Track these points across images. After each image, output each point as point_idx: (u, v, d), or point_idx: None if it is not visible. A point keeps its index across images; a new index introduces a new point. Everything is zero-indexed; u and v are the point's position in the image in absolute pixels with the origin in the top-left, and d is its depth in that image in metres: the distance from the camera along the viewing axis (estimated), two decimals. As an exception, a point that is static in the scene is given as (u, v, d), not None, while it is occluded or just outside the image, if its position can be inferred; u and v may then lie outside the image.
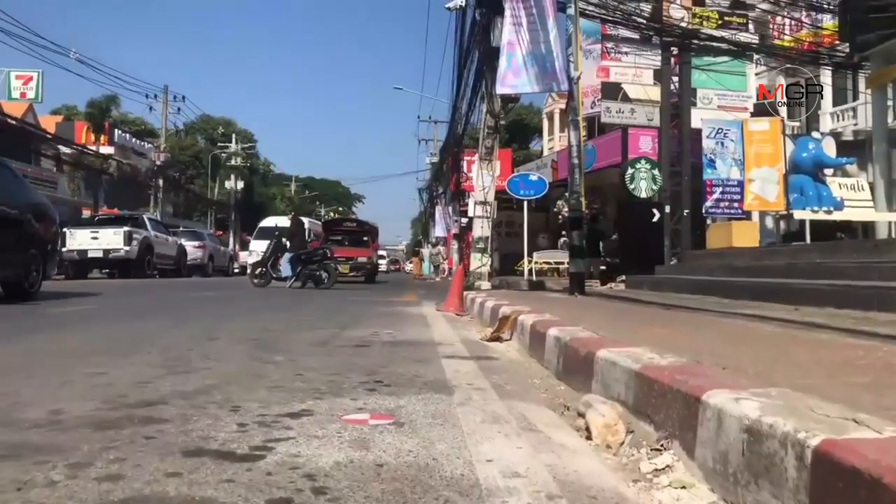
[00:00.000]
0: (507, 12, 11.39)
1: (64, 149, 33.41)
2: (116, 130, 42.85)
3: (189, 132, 58.02)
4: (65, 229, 21.21)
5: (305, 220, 27.81)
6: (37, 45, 39.57)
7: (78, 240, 20.49)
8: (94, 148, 35.87)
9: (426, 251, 54.56)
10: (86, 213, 34.04)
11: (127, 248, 20.42)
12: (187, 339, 4.67)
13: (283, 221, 27.50)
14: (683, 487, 1.78)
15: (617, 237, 19.09)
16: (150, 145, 43.87)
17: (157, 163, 38.42)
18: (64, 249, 19.44)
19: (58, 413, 2.31)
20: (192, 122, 52.16)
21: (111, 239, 20.43)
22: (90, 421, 2.21)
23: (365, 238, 24.52)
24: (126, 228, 20.69)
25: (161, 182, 38.70)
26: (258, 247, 23.58)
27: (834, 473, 1.29)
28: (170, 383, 2.93)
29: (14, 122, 29.00)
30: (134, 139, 44.63)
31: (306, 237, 20.56)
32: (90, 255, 20.39)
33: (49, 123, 37.40)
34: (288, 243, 16.81)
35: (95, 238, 20.54)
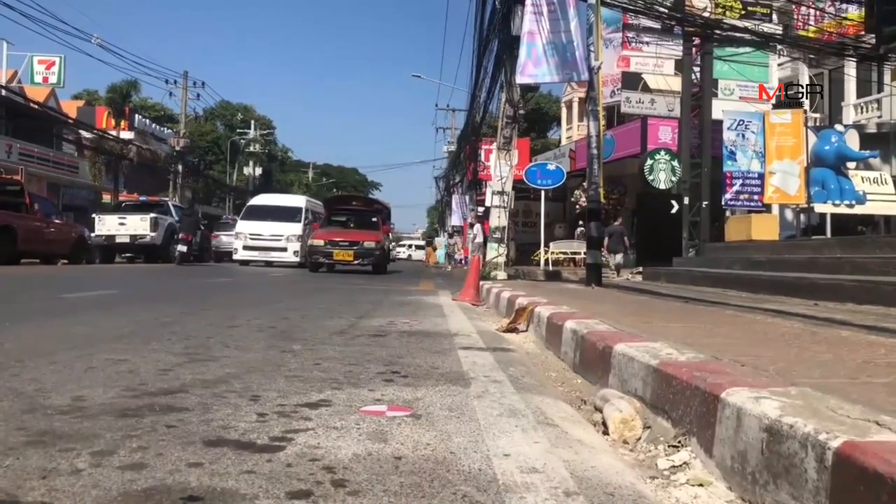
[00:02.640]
0: (528, 1, 11.32)
1: (85, 133, 33.70)
2: (137, 116, 43.14)
3: (208, 118, 58.31)
4: (94, 215, 22.56)
5: (303, 198, 25.86)
6: (59, 31, 39.90)
7: (106, 225, 21.27)
8: (114, 133, 36.13)
9: (441, 240, 54.60)
10: (106, 198, 34.41)
11: (153, 233, 21.24)
12: (207, 327, 4.71)
13: (277, 199, 25.35)
14: (701, 485, 1.78)
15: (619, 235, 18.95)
16: (169, 131, 44.17)
17: (177, 148, 38.66)
18: (93, 234, 20.41)
19: (81, 400, 2.34)
20: (211, 109, 52.47)
21: (138, 225, 21.20)
22: (113, 408, 2.24)
23: (374, 219, 20.31)
24: (152, 215, 21.50)
25: (180, 167, 38.97)
26: (246, 228, 22.07)
27: (855, 476, 1.28)
28: (190, 371, 2.96)
29: (37, 107, 29.27)
30: (154, 124, 44.93)
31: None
32: (118, 240, 21.18)
33: (70, 108, 37.72)
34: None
35: (123, 224, 21.26)
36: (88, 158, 34.93)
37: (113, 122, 38.61)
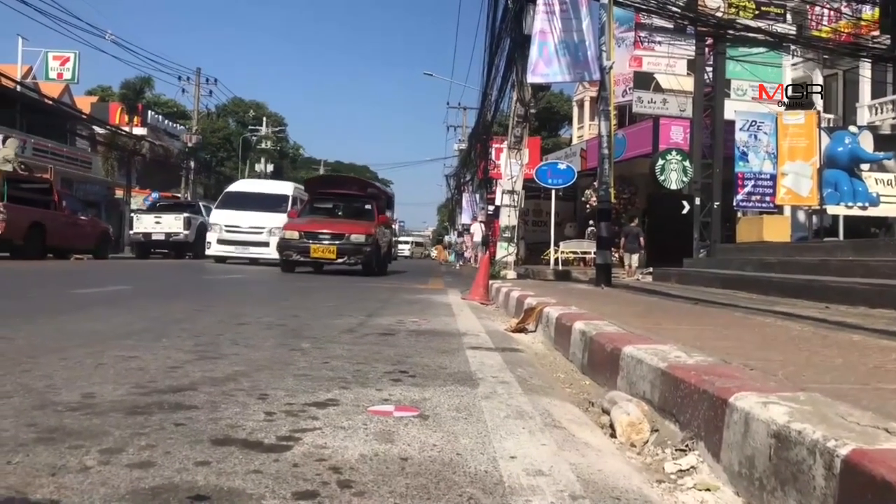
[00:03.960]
0: (540, 0, 11.30)
1: (98, 129, 33.92)
2: (149, 112, 43.38)
3: (220, 115, 58.59)
4: (131, 214, 24.93)
5: (290, 185, 22.38)
6: (74, 27, 40.15)
7: (143, 224, 23.47)
8: (127, 129, 36.34)
9: (450, 239, 54.64)
10: (119, 193, 34.64)
11: (186, 231, 23.21)
12: (217, 324, 4.73)
13: (259, 186, 22.65)
14: (708, 490, 1.77)
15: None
16: (182, 127, 44.39)
17: (189, 144, 38.88)
18: (131, 232, 23.34)
19: (91, 397, 2.36)
20: (223, 105, 52.68)
21: (172, 223, 23.21)
22: (122, 406, 2.26)
23: (367, 206, 16.49)
24: (185, 214, 23.56)
25: (192, 164, 39.15)
26: (221, 218, 19.33)
27: (863, 484, 1.27)
28: (199, 369, 2.97)
29: (51, 103, 29.48)
30: (166, 121, 45.16)
31: (291, 205, 19.07)
32: (153, 237, 23.30)
33: (84, 104, 37.95)
34: None
35: (158, 223, 23.33)
36: (101, 154, 35.15)
37: (126, 118, 38.84)
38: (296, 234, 14.27)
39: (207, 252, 19.53)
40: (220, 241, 19.03)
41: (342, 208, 16.67)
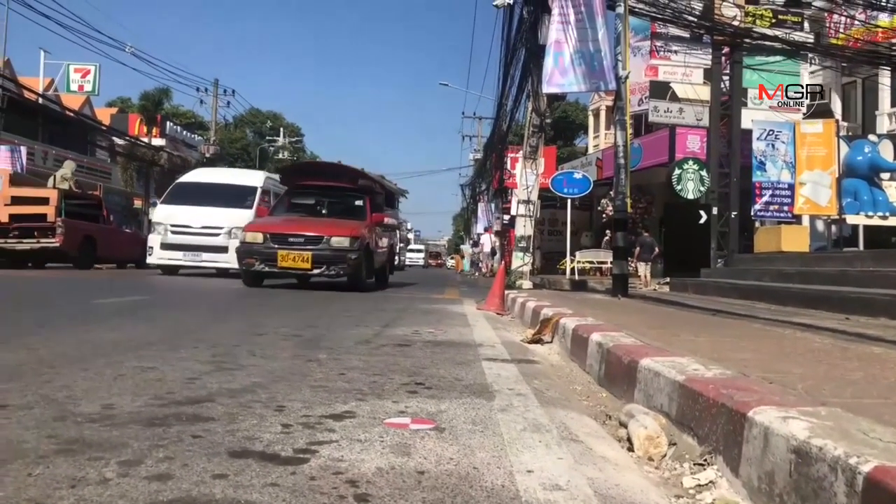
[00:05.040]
0: (556, 10, 11.31)
1: (118, 140, 34.32)
2: (168, 123, 43.84)
3: (238, 125, 59.06)
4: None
5: (260, 175, 17.87)
6: (94, 40, 40.74)
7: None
8: (146, 140, 36.74)
9: (467, 248, 54.67)
10: (138, 203, 34.97)
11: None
12: (234, 335, 4.76)
13: (219, 175, 17.99)
14: (727, 505, 1.76)
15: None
16: (200, 138, 44.83)
17: (207, 155, 39.14)
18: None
19: (110, 408, 2.38)
20: (241, 116, 53.07)
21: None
22: (141, 417, 2.27)
23: (357, 202, 13.08)
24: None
25: (210, 174, 39.38)
26: (166, 216, 15.35)
27: (887, 502, 1.26)
28: (217, 380, 2.99)
29: (72, 114, 29.89)
30: (185, 131, 45.60)
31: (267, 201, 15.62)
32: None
33: (104, 115, 38.46)
34: None
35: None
36: (121, 165, 35.56)
37: (145, 129, 39.28)
38: (259, 237, 11.17)
39: (149, 259, 15.54)
40: (165, 246, 15.12)
41: (326, 204, 13.19)
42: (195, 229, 15.02)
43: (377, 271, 13.65)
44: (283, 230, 11.42)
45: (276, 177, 16.76)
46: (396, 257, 21.31)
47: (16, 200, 16.12)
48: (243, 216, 14.59)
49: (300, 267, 11.02)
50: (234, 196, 15.75)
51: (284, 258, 10.94)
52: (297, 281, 12.77)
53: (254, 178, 17.37)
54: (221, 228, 14.98)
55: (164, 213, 15.59)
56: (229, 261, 14.06)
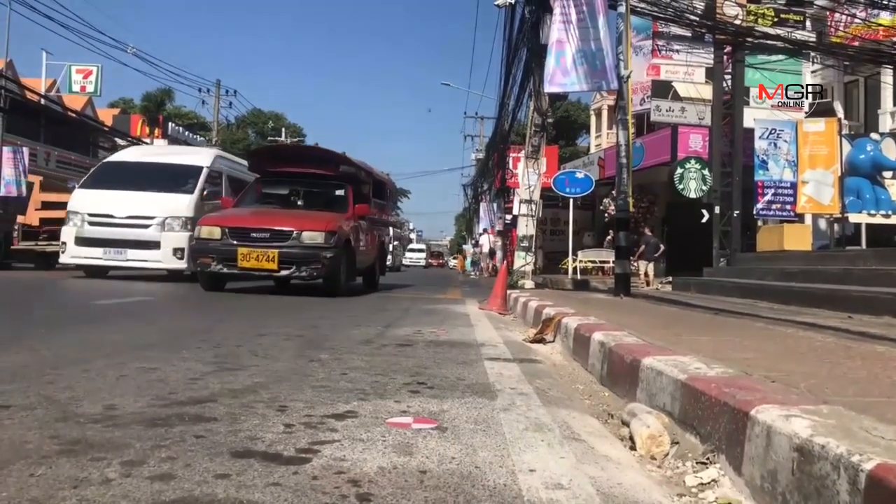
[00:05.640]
0: (557, 10, 11.31)
1: (120, 141, 34.35)
2: (170, 123, 43.90)
3: (240, 126, 59.09)
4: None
5: (209, 153, 14.86)
6: (96, 40, 40.78)
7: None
8: (148, 140, 36.78)
9: (468, 248, 54.72)
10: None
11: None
12: (236, 335, 4.76)
13: (157, 153, 15.35)
14: (730, 504, 1.76)
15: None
16: (202, 138, 44.85)
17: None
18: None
19: (112, 409, 2.38)
20: (243, 116, 53.12)
21: None
22: (143, 417, 2.27)
23: (338, 191, 11.44)
24: None
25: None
26: (84, 203, 12.42)
27: (889, 500, 1.25)
28: (219, 380, 2.99)
29: (75, 115, 29.93)
30: (187, 132, 45.65)
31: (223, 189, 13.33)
32: None
33: (106, 116, 38.52)
34: None
35: None
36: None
37: (147, 129, 39.32)
38: (216, 233, 9.60)
39: (61, 258, 12.68)
40: (81, 241, 12.14)
41: (302, 195, 11.39)
42: (119, 219, 12.01)
43: (363, 272, 12.28)
44: (245, 224, 9.82)
45: (236, 159, 14.72)
46: (390, 256, 19.46)
47: (46, 205, 16.75)
48: (181, 203, 12.10)
49: (265, 267, 9.41)
50: (171, 178, 12.76)
51: (246, 257, 9.31)
52: (274, 283, 11.11)
53: (200, 156, 14.28)
54: (153, 219, 12.02)
55: (81, 200, 12.51)
56: (161, 259, 11.97)
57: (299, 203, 11.28)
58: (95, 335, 4.54)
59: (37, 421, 2.18)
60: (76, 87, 31.95)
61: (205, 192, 12.76)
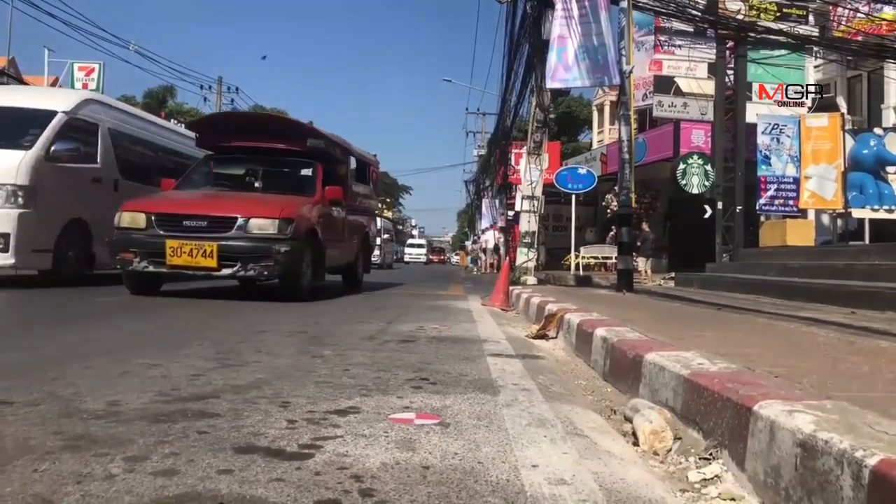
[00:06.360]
0: (559, 5, 11.29)
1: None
2: (172, 120, 43.81)
3: (242, 123, 58.87)
4: None
5: (72, 96, 10.60)
6: (98, 38, 40.77)
7: None
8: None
9: (469, 244, 54.75)
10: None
11: None
12: (239, 331, 4.77)
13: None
14: (733, 500, 1.75)
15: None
16: (203, 136, 44.69)
17: (211, 153, 39.12)
18: None
19: (116, 405, 2.39)
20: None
21: None
22: (146, 413, 2.28)
23: (305, 171, 9.69)
24: None
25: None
26: None
27: (893, 495, 1.25)
28: (222, 377, 2.99)
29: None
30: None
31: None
32: None
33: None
34: None
35: None
36: (125, 162, 35.51)
37: (149, 127, 39.20)
38: (140, 220, 7.72)
39: None
40: None
41: (261, 175, 9.51)
42: None
43: (342, 269, 10.82)
44: (176, 209, 7.90)
45: (138, 111, 11.76)
46: (378, 251, 16.70)
47: None
48: (8, 164, 8.30)
49: (201, 265, 7.48)
50: (4, 129, 8.90)
51: (176, 252, 7.44)
52: (238, 283, 9.62)
53: (56, 98, 10.16)
54: None
55: None
56: None
57: (256, 185, 9.36)
58: (101, 332, 4.54)
59: (40, 417, 2.20)
60: (78, 84, 31.96)
61: (54, 150, 8.83)
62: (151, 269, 7.66)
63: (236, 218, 7.66)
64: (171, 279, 8.88)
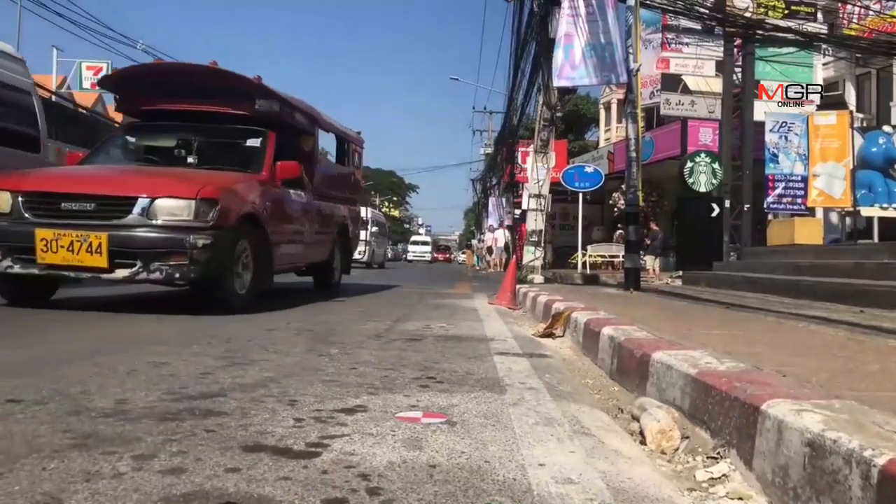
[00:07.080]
0: (566, 3, 11.26)
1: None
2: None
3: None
4: None
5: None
6: (106, 37, 40.87)
7: None
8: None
9: (475, 243, 54.75)
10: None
11: None
12: (246, 330, 4.78)
13: None
14: (741, 499, 1.75)
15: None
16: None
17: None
18: None
19: (124, 403, 2.40)
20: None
21: None
22: (154, 412, 2.29)
23: (252, 140, 7.33)
24: None
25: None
26: None
27: (902, 495, 1.25)
28: (229, 375, 3.00)
29: (85, 112, 30.06)
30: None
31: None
32: None
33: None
34: None
35: None
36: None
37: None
38: (4, 202, 5.65)
39: None
40: None
41: (196, 147, 7.28)
42: None
43: (314, 268, 9.11)
44: (53, 186, 5.83)
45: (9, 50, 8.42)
46: (363, 247, 14.35)
47: None
48: None
49: (85, 264, 5.45)
50: None
51: (50, 245, 5.42)
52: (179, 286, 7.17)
53: None
54: None
55: None
56: None
57: (190, 160, 7.15)
58: (109, 330, 4.54)
59: (49, 415, 2.20)
60: (87, 84, 32.11)
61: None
62: (17, 269, 5.58)
63: (136, 199, 5.51)
64: (46, 282, 6.21)
